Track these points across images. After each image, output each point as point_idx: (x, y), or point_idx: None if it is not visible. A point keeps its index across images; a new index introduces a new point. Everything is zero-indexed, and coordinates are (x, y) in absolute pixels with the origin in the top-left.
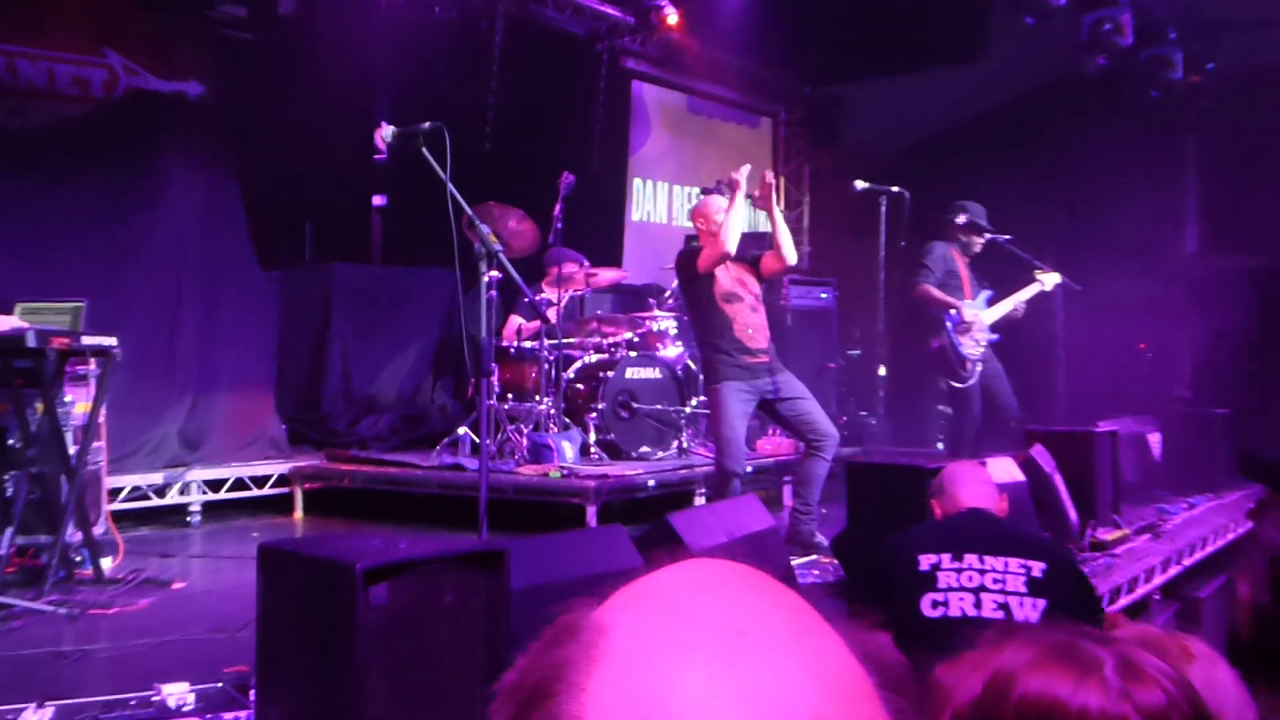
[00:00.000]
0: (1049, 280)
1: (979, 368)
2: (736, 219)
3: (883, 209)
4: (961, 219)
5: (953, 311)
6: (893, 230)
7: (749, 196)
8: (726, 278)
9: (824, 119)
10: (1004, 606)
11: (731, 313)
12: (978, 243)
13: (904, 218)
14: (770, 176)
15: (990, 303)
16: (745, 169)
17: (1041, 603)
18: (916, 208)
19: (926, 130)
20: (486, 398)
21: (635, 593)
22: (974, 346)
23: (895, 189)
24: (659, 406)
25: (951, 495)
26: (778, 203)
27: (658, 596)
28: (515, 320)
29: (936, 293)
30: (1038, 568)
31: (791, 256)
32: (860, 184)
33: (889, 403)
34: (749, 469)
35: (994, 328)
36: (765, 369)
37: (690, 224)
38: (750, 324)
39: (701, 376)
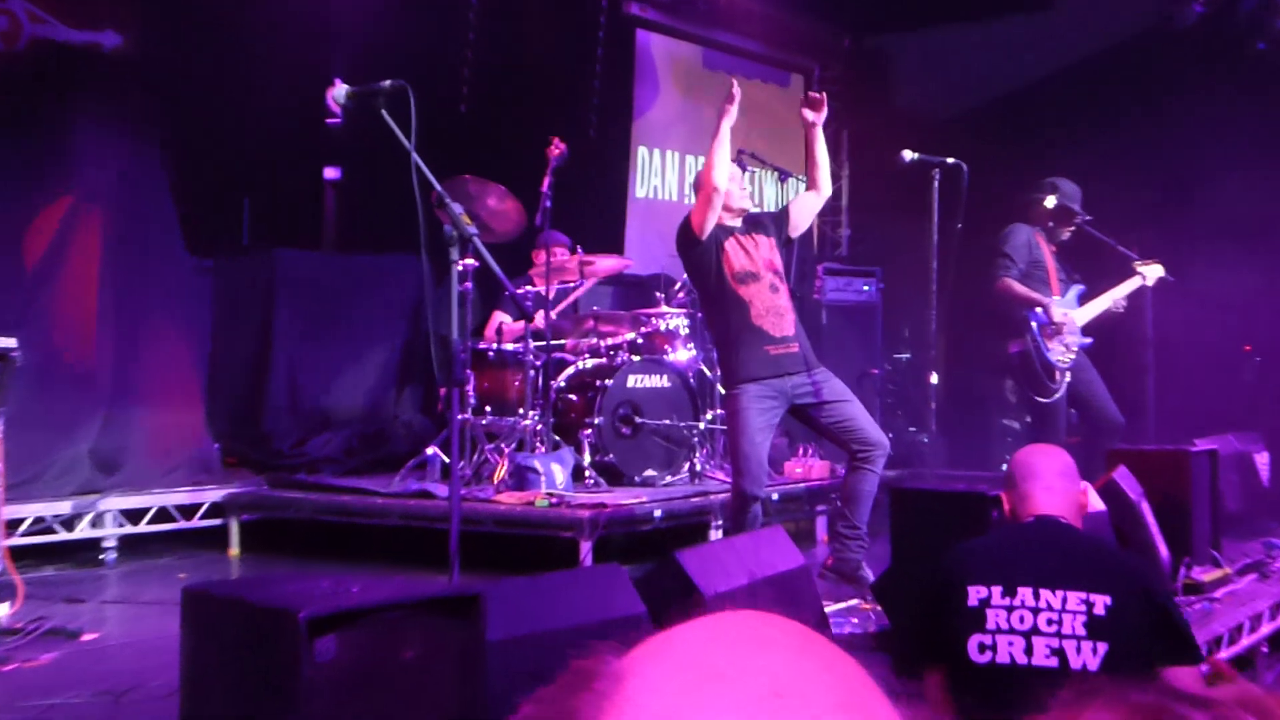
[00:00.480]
0: (1151, 273)
1: (1067, 378)
2: (724, 146)
3: (935, 184)
4: (1051, 201)
5: (1039, 310)
6: (948, 210)
7: (775, 169)
8: (738, 252)
9: (867, 77)
10: (1058, 652)
11: (747, 295)
12: (1067, 230)
13: (961, 195)
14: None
15: (1082, 300)
16: (737, 94)
17: (1102, 646)
18: (976, 183)
19: (989, 91)
20: (459, 411)
21: (663, 643)
22: (1063, 353)
23: (951, 160)
24: (667, 422)
25: (1022, 493)
26: (820, 110)
27: (687, 649)
28: (499, 318)
29: (1020, 288)
30: (1101, 603)
31: (829, 186)
32: (909, 154)
33: (943, 417)
34: (775, 495)
35: (1086, 330)
36: (797, 361)
37: None
38: (771, 306)
39: (719, 386)
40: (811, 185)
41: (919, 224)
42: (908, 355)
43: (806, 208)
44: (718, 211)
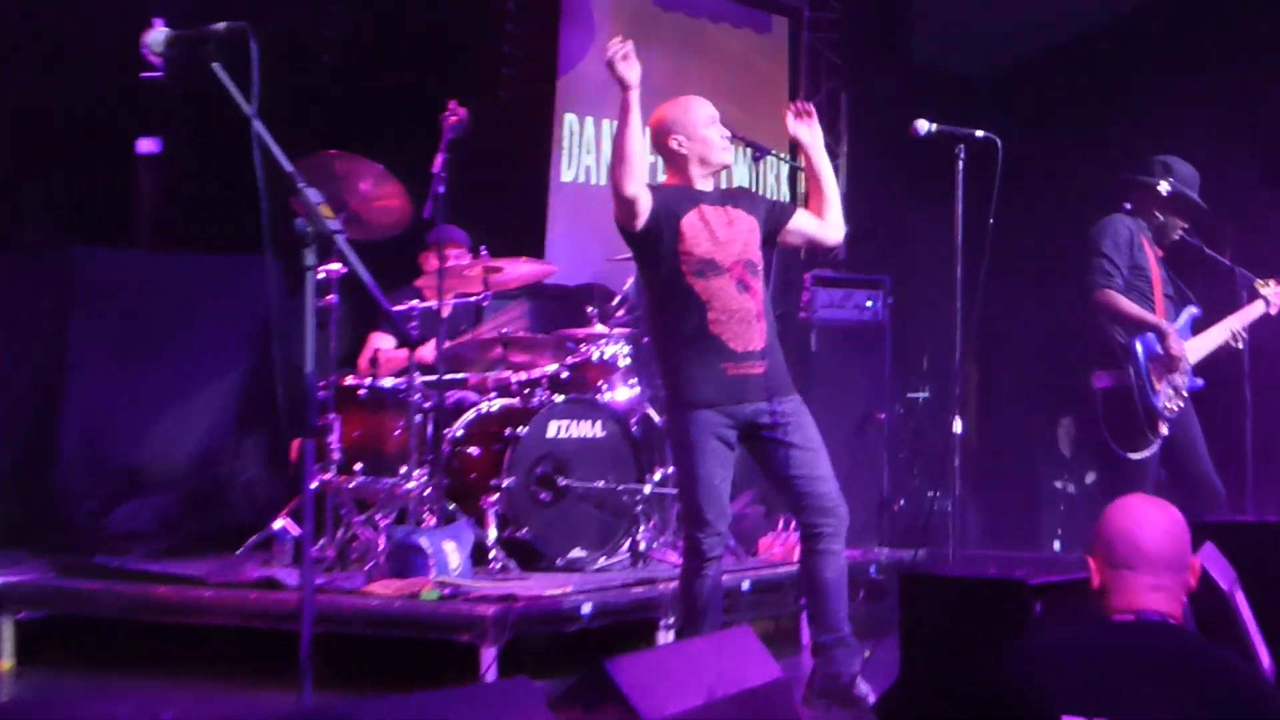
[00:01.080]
0: (1275, 296)
1: (1164, 431)
2: (633, 130)
3: (961, 166)
4: (1165, 187)
5: (1151, 336)
6: (976, 199)
7: (748, 143)
8: (701, 233)
9: (874, 20)
10: None
11: (705, 292)
12: (1180, 228)
13: (995, 180)
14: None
15: (1195, 328)
16: (624, 49)
17: None
18: (1015, 162)
19: (1038, 41)
20: (317, 470)
21: None
22: (1171, 398)
23: (981, 134)
24: (601, 484)
25: (1121, 579)
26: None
27: None
28: (377, 344)
29: (1129, 304)
30: None
31: (838, 228)
32: (926, 125)
33: (974, 477)
34: (745, 584)
35: (1197, 369)
36: (759, 387)
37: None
38: (735, 310)
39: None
40: (819, 216)
41: (940, 218)
42: (925, 394)
43: (807, 229)
44: (642, 216)
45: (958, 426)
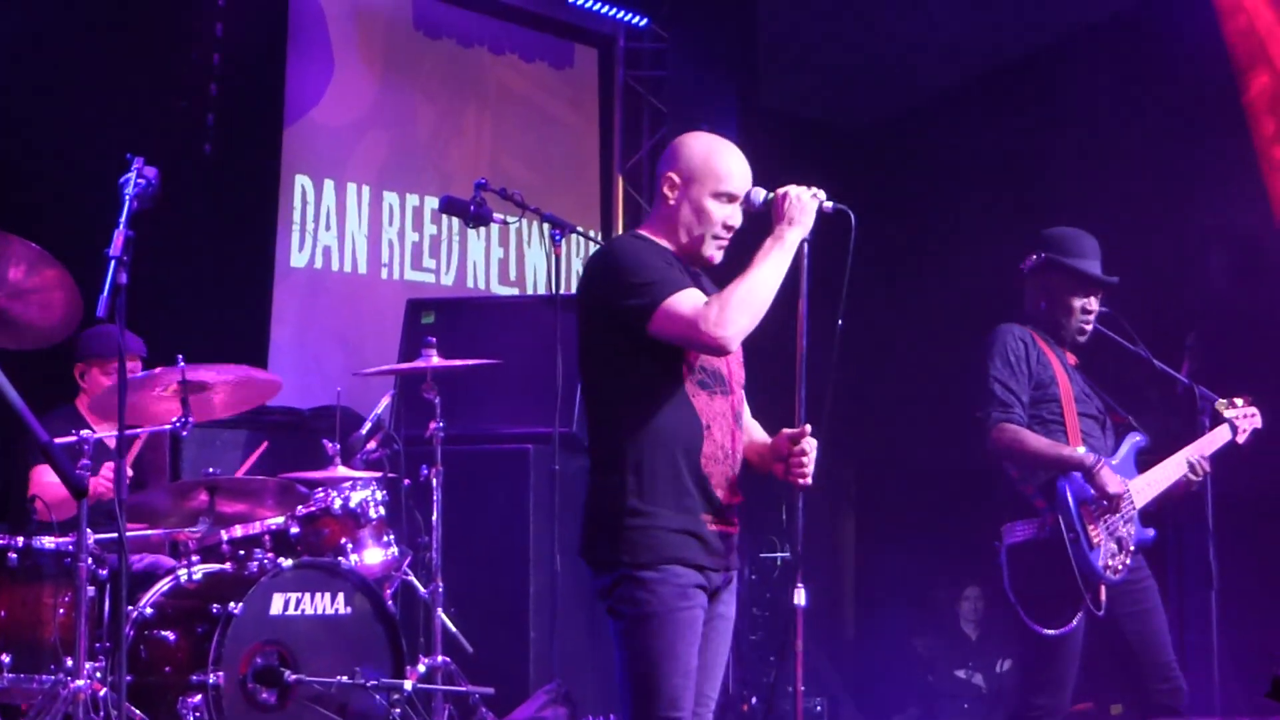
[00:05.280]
0: (1244, 421)
1: (1105, 598)
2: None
3: (806, 246)
4: (1046, 266)
5: (1079, 475)
6: (824, 293)
7: (546, 218)
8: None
9: (711, 54)
10: None
11: (707, 413)
12: (1087, 317)
13: (847, 265)
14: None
15: (1140, 461)
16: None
17: None
18: (879, 241)
19: (930, 76)
20: None
21: None
22: (1115, 555)
23: (830, 204)
24: (344, 679)
25: None
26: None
27: None
28: (41, 484)
29: (1035, 438)
30: None
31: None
32: (761, 193)
33: (847, 666)
34: None
35: (1146, 516)
36: (732, 551)
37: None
38: (728, 449)
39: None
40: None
41: (776, 317)
42: (785, 555)
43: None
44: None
45: (800, 598)
